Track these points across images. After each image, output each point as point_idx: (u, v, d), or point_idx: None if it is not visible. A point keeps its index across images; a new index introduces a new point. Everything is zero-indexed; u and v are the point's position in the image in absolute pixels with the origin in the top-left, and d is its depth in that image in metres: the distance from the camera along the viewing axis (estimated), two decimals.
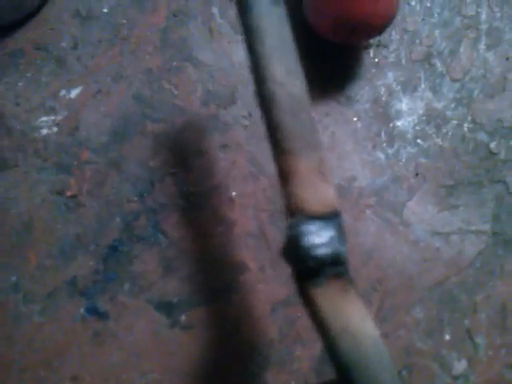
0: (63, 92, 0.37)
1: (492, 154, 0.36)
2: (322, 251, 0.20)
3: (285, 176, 0.21)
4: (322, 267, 0.20)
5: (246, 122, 0.36)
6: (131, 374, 0.31)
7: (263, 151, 0.35)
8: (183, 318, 0.32)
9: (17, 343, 0.31)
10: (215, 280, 0.33)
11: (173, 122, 0.36)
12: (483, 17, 0.38)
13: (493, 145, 0.36)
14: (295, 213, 0.21)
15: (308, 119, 0.23)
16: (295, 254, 0.20)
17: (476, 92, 0.37)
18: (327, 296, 0.20)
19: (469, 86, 0.37)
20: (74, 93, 0.37)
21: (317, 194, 0.22)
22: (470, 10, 0.38)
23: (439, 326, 0.33)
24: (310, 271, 0.20)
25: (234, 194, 0.35)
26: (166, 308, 0.32)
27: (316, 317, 0.20)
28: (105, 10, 0.39)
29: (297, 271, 0.20)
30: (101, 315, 0.32)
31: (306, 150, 0.22)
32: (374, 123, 0.36)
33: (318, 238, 0.20)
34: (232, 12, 0.39)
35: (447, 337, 0.33)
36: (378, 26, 0.32)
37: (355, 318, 0.20)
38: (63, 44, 0.38)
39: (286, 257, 0.20)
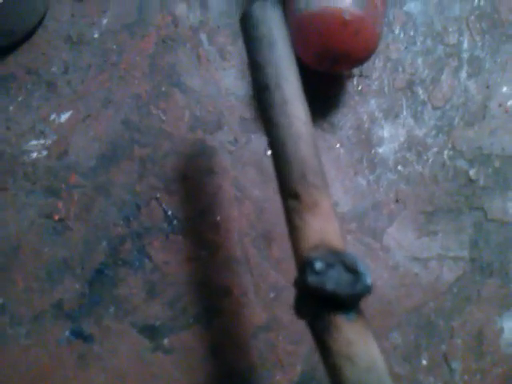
0: (53, 116, 0.37)
1: (471, 180, 0.36)
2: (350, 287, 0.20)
3: (307, 209, 0.22)
4: (355, 302, 0.20)
5: (232, 148, 0.36)
6: None
7: (248, 176, 0.36)
8: (166, 341, 0.32)
9: (2, 366, 0.32)
10: (198, 304, 0.33)
11: (160, 147, 0.36)
12: (465, 45, 0.39)
13: (472, 172, 0.36)
14: (318, 246, 0.21)
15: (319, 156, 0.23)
16: (322, 289, 0.20)
17: (457, 120, 0.37)
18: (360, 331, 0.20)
19: (450, 113, 0.37)
20: (64, 117, 0.37)
21: (336, 228, 0.22)
22: (452, 39, 0.39)
23: (416, 351, 0.33)
24: (340, 306, 0.20)
25: (219, 218, 0.35)
26: (150, 331, 0.32)
27: (342, 352, 0.20)
28: (95, 36, 0.39)
29: (325, 306, 0.20)
30: (85, 338, 0.32)
31: (327, 185, 0.23)
32: (357, 150, 0.36)
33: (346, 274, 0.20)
34: (220, 39, 0.39)
35: (424, 362, 0.33)
36: (358, 57, 0.32)
37: (378, 355, 0.20)
38: (54, 68, 0.38)
39: (309, 289, 0.20)
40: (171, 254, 0.34)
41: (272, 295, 0.33)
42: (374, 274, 0.34)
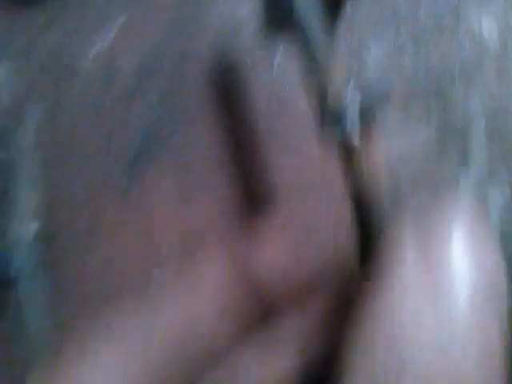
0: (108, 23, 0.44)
1: None
2: None
3: None
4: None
5: (247, 54, 0.44)
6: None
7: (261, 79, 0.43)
8: None
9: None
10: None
11: (190, 50, 0.43)
12: None
13: None
14: None
15: None
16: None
17: None
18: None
19: None
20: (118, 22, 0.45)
21: None
22: None
23: None
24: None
25: (232, 111, 0.42)
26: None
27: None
28: None
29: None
30: None
31: None
32: None
33: None
34: None
35: None
36: None
37: None
38: None
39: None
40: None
41: (277, 179, 0.40)
42: None
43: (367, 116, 0.25)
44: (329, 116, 0.26)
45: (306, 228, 0.32)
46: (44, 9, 0.43)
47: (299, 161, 0.37)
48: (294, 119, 0.40)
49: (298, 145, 0.38)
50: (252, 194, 0.38)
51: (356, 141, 0.24)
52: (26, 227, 0.37)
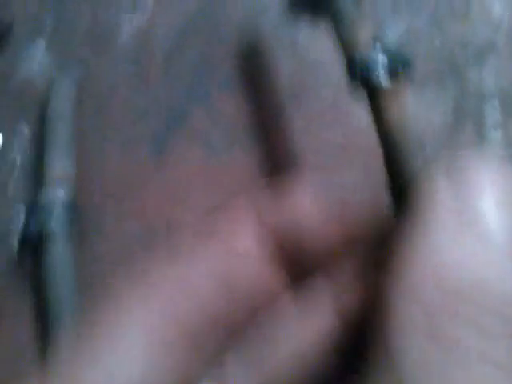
0: None
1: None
2: None
3: None
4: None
5: (274, 31, 0.46)
6: (180, 191, 0.40)
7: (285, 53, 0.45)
8: (223, 156, 0.41)
9: (99, 168, 0.41)
10: (249, 134, 0.42)
11: (220, 28, 0.44)
12: None
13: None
14: None
15: None
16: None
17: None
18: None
19: None
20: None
21: None
22: None
23: None
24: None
25: (260, 80, 0.44)
26: (211, 149, 0.41)
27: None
28: None
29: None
30: (161, 154, 0.41)
31: None
32: None
33: None
34: None
35: None
36: None
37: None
38: None
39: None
40: (230, 100, 0.42)
41: (301, 137, 0.42)
42: None
43: (396, 68, 0.27)
44: (360, 65, 0.27)
45: (338, 187, 0.34)
46: None
47: (326, 124, 0.39)
48: (318, 87, 0.42)
49: (323, 110, 0.40)
50: (280, 156, 0.40)
51: (387, 84, 0.26)
52: (59, 192, 0.38)
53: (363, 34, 0.29)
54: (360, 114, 0.41)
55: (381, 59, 0.27)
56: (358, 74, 0.27)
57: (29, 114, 0.43)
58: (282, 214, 0.25)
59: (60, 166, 0.39)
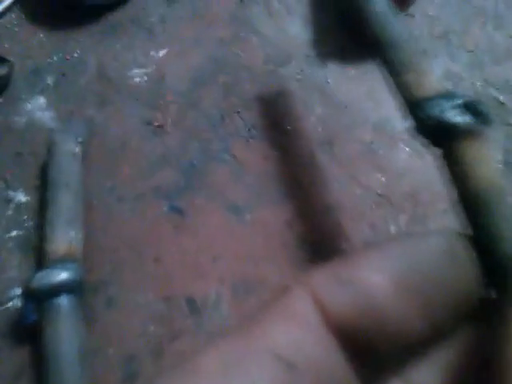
0: (152, 52, 0.43)
1: (501, 103, 0.40)
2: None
3: None
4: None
5: (299, 77, 0.41)
6: (203, 258, 0.35)
7: (313, 98, 0.40)
8: (248, 216, 0.36)
9: (109, 232, 0.36)
10: (273, 191, 0.37)
11: (239, 76, 0.41)
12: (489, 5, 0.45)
13: (501, 97, 0.41)
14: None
15: None
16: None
17: (486, 59, 0.42)
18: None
19: (480, 55, 0.43)
20: (161, 53, 0.43)
21: None
22: (478, 1, 0.45)
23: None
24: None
25: (289, 127, 0.39)
26: (234, 209, 0.36)
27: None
28: None
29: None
30: (181, 212, 0.36)
31: None
32: None
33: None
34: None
35: None
36: None
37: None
38: (153, 19, 0.45)
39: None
40: (250, 153, 0.38)
41: (336, 185, 0.37)
42: (423, 170, 0.38)
43: (476, 110, 0.22)
44: (432, 110, 0.23)
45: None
46: (98, 23, 0.43)
47: (364, 170, 0.34)
48: (352, 130, 0.38)
49: (359, 155, 0.36)
50: (314, 213, 0.35)
51: (470, 127, 0.21)
52: (61, 274, 0.33)
53: (430, 77, 0.25)
54: (400, 157, 0.39)
55: (457, 103, 0.23)
56: (431, 118, 0.23)
57: (26, 178, 0.38)
58: (348, 293, 0.19)
59: (63, 239, 0.33)
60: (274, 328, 0.19)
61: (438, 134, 0.23)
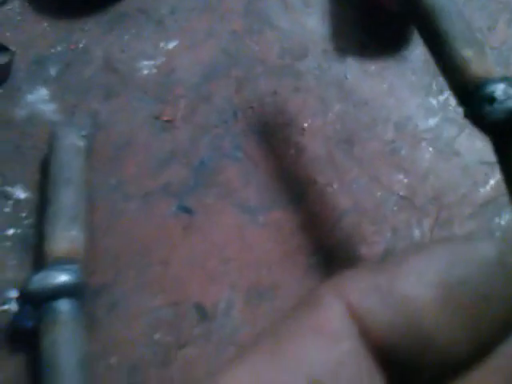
0: (162, 44, 0.41)
1: None
2: None
3: None
4: None
5: (316, 72, 0.39)
6: (214, 262, 0.32)
7: (330, 94, 0.38)
8: (260, 218, 0.34)
9: (114, 232, 0.33)
10: (287, 190, 0.35)
11: (253, 69, 0.39)
12: None
13: None
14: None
15: None
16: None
17: None
18: None
19: (505, 53, 0.40)
20: (172, 45, 0.41)
21: None
22: None
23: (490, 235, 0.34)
24: None
25: (305, 125, 0.37)
26: (246, 210, 0.34)
27: None
28: None
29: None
30: (190, 212, 0.34)
31: None
32: (426, 77, 0.39)
33: None
34: None
35: None
36: None
37: None
38: (162, 10, 0.43)
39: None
40: (264, 151, 0.36)
41: (355, 186, 0.35)
42: (447, 172, 0.36)
43: None
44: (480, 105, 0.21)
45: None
46: (105, 13, 0.41)
47: (385, 171, 0.32)
48: (372, 128, 0.36)
49: (380, 155, 0.33)
50: (330, 215, 0.33)
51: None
52: (61, 275, 0.30)
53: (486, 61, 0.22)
54: (423, 157, 0.37)
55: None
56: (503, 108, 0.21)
57: (26, 174, 0.35)
58: (389, 307, 0.17)
59: (64, 239, 0.31)
60: (307, 345, 0.16)
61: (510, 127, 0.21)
